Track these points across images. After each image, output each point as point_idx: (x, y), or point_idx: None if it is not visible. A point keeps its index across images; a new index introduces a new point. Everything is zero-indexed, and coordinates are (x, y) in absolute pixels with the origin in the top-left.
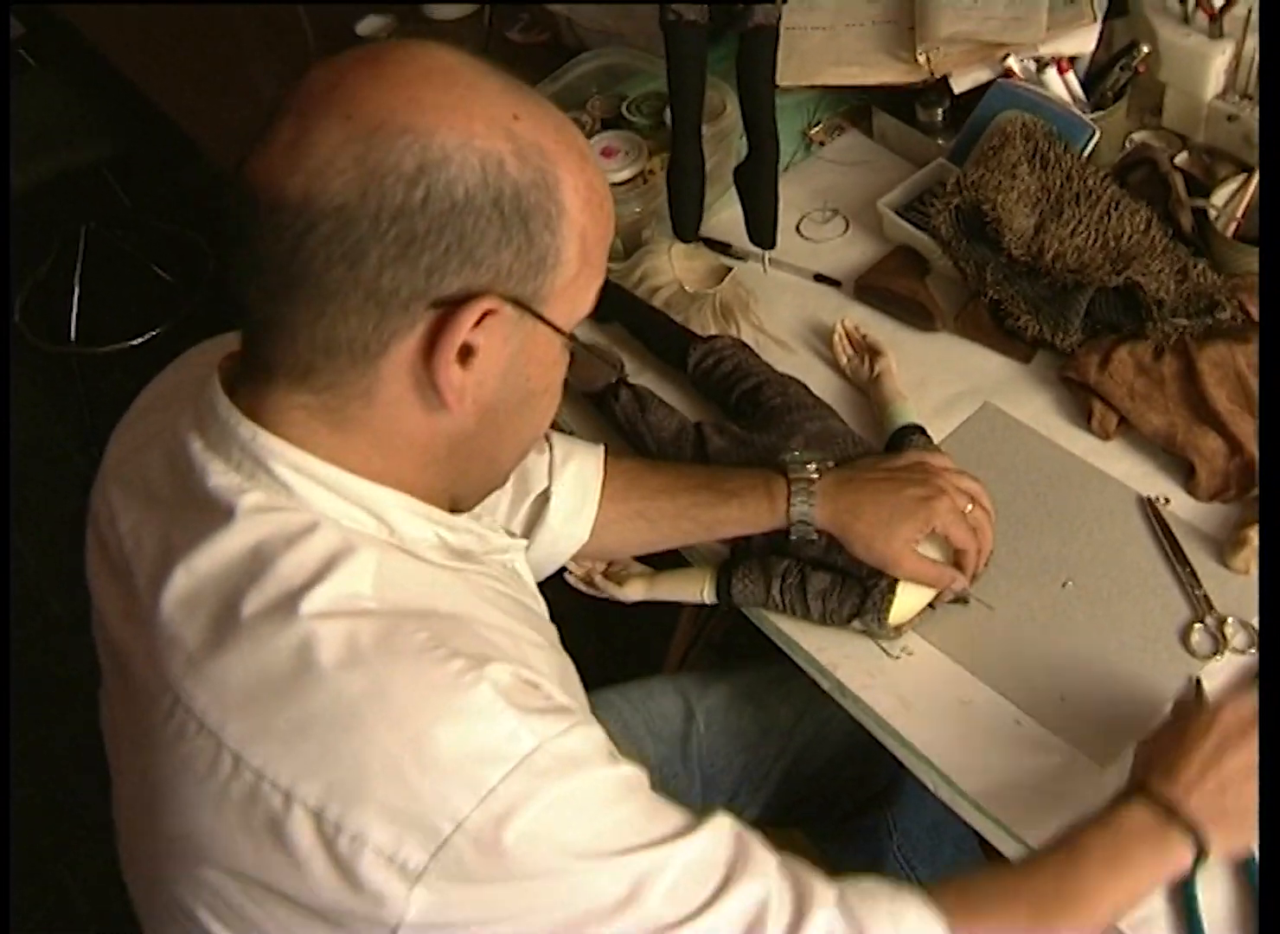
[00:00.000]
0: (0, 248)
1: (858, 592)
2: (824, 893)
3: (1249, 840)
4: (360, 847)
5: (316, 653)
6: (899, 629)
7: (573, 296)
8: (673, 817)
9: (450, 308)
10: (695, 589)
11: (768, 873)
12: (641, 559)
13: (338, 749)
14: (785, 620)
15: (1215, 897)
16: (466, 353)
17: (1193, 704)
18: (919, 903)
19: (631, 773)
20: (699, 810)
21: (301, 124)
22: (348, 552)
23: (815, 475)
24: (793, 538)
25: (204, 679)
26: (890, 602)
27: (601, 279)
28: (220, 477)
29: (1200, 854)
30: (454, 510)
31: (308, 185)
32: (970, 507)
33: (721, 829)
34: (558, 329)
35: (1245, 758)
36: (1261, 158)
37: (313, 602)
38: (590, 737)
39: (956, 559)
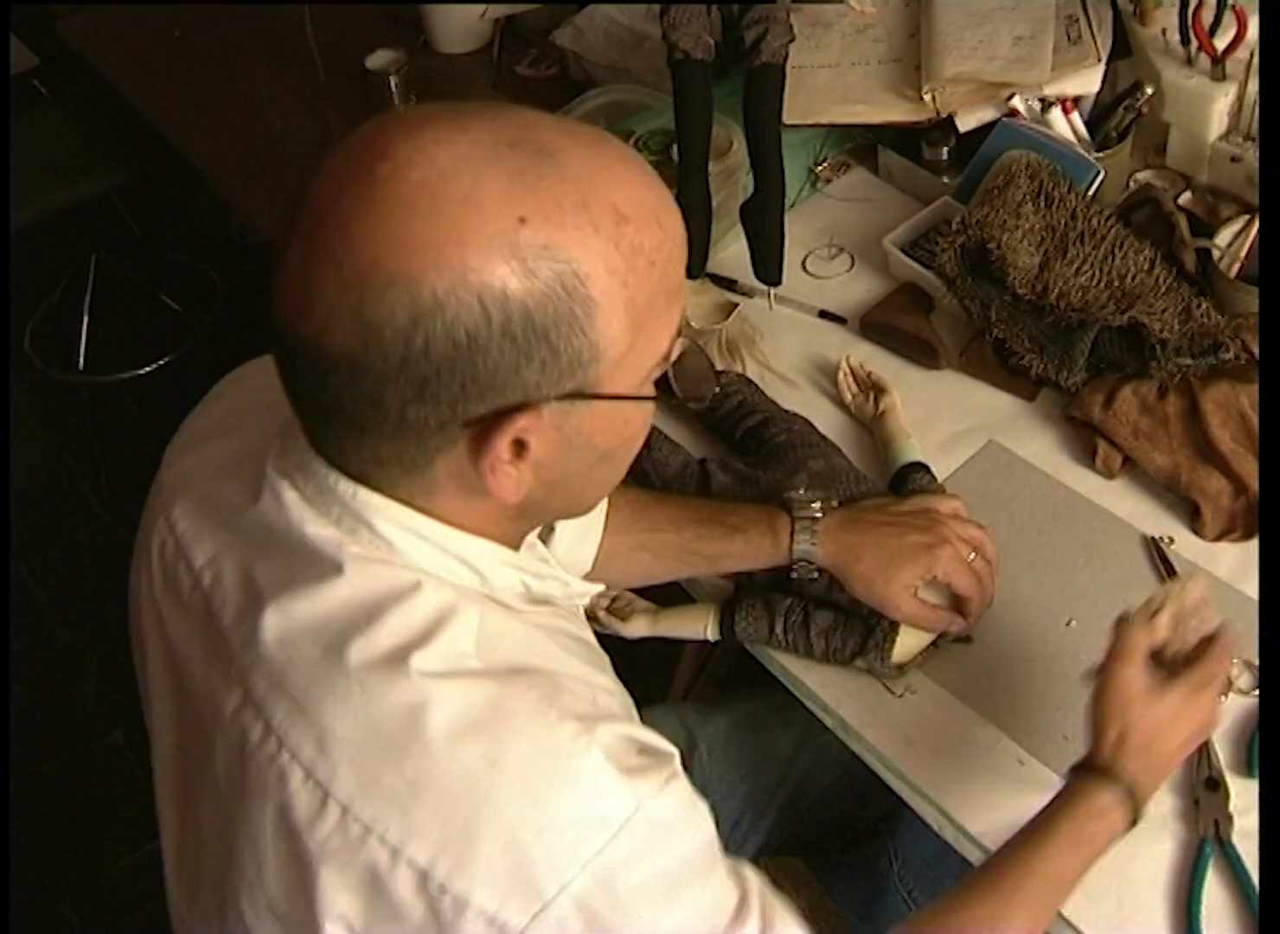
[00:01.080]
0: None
1: (860, 630)
2: None
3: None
4: (463, 908)
5: (431, 715)
6: (901, 668)
7: (635, 360)
8: (732, 888)
9: (484, 426)
10: (699, 626)
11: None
12: (645, 595)
13: (452, 813)
14: (789, 657)
15: (1215, 904)
16: (518, 446)
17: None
18: None
19: (709, 835)
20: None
21: (304, 259)
22: (452, 611)
23: (819, 514)
24: (794, 575)
25: (310, 728)
26: (893, 641)
27: (675, 320)
28: (319, 528)
29: (1135, 820)
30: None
31: (316, 335)
32: (973, 556)
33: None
34: (621, 397)
35: (1165, 709)
36: (1261, 195)
37: (424, 660)
38: (679, 790)
39: (958, 604)
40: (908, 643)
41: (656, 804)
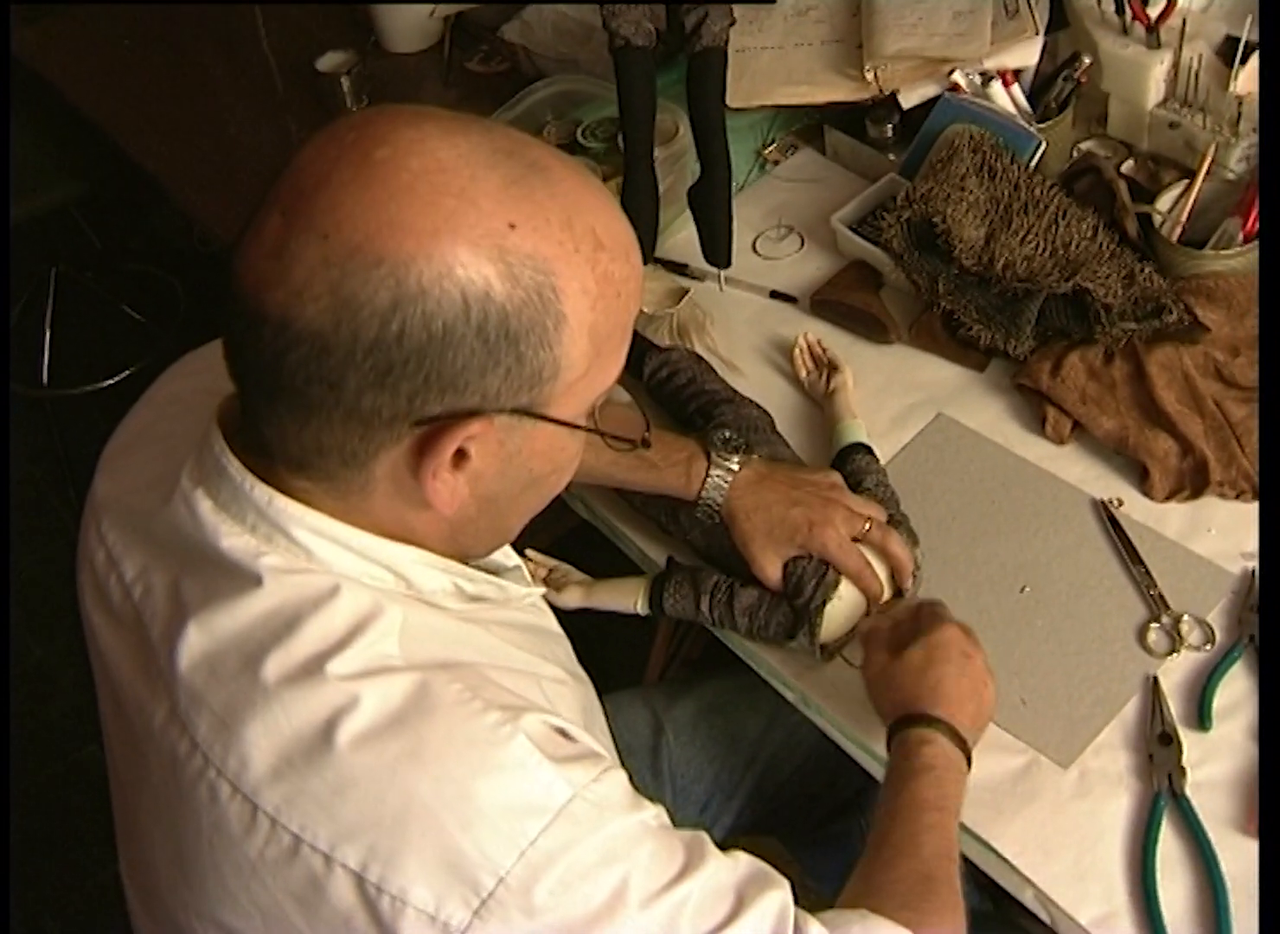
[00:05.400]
0: None
1: (784, 610)
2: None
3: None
4: (402, 907)
5: (350, 716)
6: (828, 649)
7: (586, 387)
8: (685, 848)
9: (434, 427)
10: (630, 599)
11: (783, 884)
12: (581, 567)
13: (378, 811)
14: None
15: (1175, 892)
16: (459, 455)
17: (913, 623)
18: (881, 918)
19: (653, 814)
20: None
21: (284, 231)
22: (373, 614)
23: (736, 467)
24: (698, 514)
25: (234, 743)
26: (819, 623)
27: (623, 359)
28: (235, 538)
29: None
30: (463, 560)
31: (285, 305)
32: (868, 527)
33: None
34: (566, 423)
35: (981, 660)
36: (1261, 151)
37: (341, 664)
38: (618, 781)
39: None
40: (834, 625)
41: (597, 788)
